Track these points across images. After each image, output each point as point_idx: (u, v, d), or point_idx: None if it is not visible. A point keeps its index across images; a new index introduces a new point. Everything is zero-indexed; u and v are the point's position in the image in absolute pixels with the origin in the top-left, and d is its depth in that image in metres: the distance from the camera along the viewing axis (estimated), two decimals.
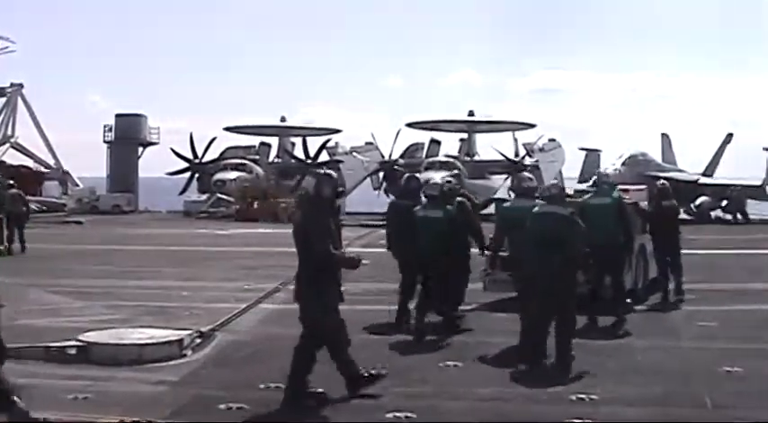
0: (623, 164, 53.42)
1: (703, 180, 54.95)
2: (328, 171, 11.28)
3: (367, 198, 58.27)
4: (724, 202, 53.86)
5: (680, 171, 56.89)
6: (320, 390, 10.36)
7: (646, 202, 20.11)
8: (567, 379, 11.26)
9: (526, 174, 17.51)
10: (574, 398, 10.29)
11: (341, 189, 11.10)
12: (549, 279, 12.28)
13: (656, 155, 59.35)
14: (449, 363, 11.99)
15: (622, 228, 16.08)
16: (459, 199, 16.18)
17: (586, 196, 17.21)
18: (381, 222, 45.14)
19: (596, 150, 60.48)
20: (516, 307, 13.70)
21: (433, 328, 14.50)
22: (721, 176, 57.85)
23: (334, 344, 10.42)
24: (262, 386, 11.03)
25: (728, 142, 61.17)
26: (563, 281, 12.36)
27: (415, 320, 14.69)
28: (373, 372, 10.66)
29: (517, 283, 14.16)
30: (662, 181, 25.21)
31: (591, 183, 20.21)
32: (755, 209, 55.53)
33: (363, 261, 10.97)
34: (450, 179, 17.53)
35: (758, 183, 55.22)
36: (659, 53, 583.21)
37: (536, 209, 13.14)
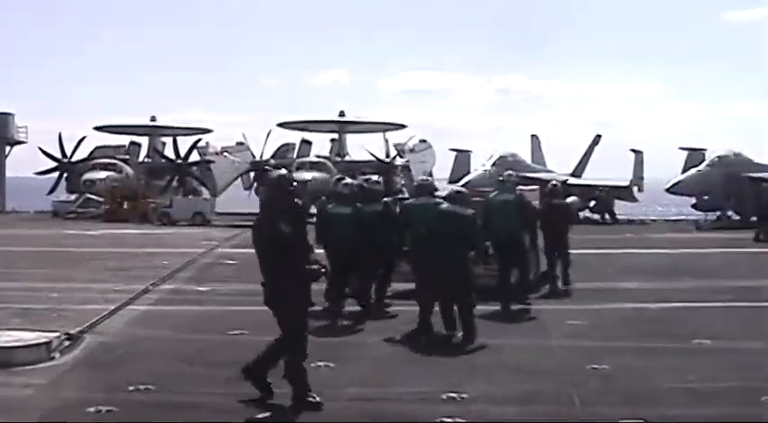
0: (493, 164, 54.06)
1: (572, 180, 55.89)
2: (284, 173, 10.87)
3: (238, 198, 57.93)
4: (592, 203, 54.95)
5: (549, 172, 57.75)
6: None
7: (537, 201, 21.37)
8: (437, 379, 11.33)
9: (423, 177, 18.48)
10: (444, 397, 10.35)
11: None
12: (452, 271, 14.03)
13: (526, 156, 60.17)
14: (320, 363, 11.98)
15: (525, 223, 17.82)
16: (385, 199, 17.59)
17: (491, 194, 18.47)
18: (250, 223, 45.23)
19: (466, 151, 61.11)
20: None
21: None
22: (590, 177, 58.95)
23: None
24: (131, 388, 10.84)
25: (597, 143, 62.33)
26: (464, 273, 14.20)
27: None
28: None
29: (416, 274, 15.28)
30: (553, 181, 26.40)
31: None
32: (622, 209, 56.81)
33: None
34: (378, 180, 17.89)
35: (625, 183, 56.43)
36: (528, 56, 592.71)
37: (441, 207, 14.74)
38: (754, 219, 50.83)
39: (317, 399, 9.98)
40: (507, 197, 17.85)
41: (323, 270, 10.29)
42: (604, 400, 10.50)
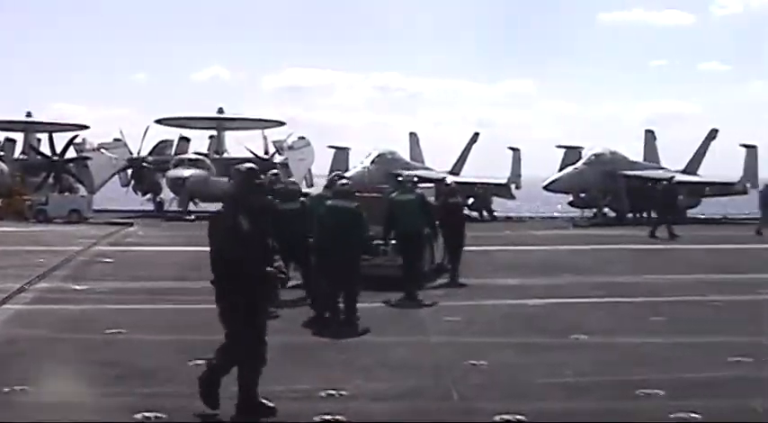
0: (372, 162, 54.15)
1: (450, 178, 56.34)
2: (251, 167, 10.21)
3: (115, 195, 57.12)
4: (471, 200, 55.41)
5: (427, 169, 58.05)
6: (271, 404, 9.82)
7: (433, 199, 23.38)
8: (316, 377, 11.29)
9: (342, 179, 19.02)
10: (323, 394, 10.31)
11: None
12: (341, 262, 15.58)
13: (405, 153, 60.41)
14: (199, 361, 11.84)
15: (426, 220, 19.29)
16: (302, 199, 18.54)
17: (393, 193, 20.34)
18: (127, 220, 44.72)
19: (345, 148, 61.09)
20: None
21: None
22: (468, 175, 59.40)
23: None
24: (6, 390, 10.58)
25: (474, 141, 62.83)
26: (351, 264, 15.77)
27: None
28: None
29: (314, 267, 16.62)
30: (447, 181, 27.72)
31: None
32: (501, 207, 57.46)
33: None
34: (346, 180, 18.46)
35: (503, 181, 57.02)
36: (405, 53, 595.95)
37: (329, 203, 16.33)
38: (630, 215, 52.14)
39: (271, 404, 9.77)
40: (409, 196, 19.51)
41: (282, 275, 9.96)
42: (483, 396, 10.58)
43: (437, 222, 20.48)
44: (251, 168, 10.02)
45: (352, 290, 15.75)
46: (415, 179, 21.12)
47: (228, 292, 9.49)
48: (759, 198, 42.73)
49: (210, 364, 9.92)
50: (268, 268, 9.56)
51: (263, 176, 10.34)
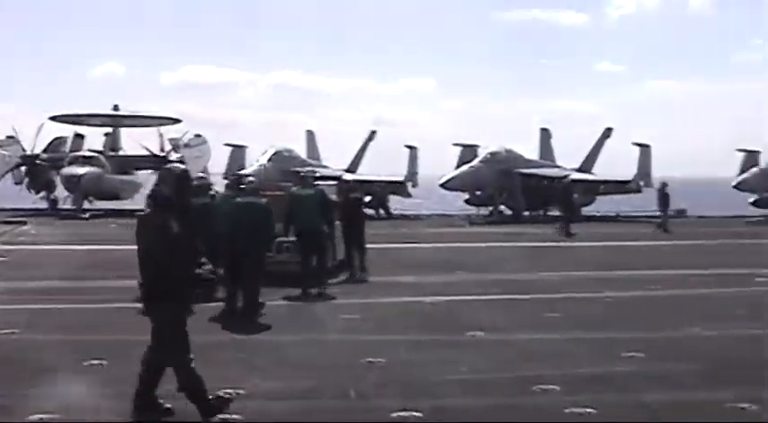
0: (269, 160, 53.93)
1: (348, 176, 56.32)
2: (177, 167, 10.08)
3: (8, 193, 55.98)
4: (368, 198, 55.50)
5: (324, 167, 57.98)
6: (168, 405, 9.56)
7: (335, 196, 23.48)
8: (214, 376, 11.16)
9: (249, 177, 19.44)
10: (221, 393, 10.22)
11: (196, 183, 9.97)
12: (250, 256, 16.00)
13: (302, 151, 60.32)
14: (93, 361, 11.67)
15: (325, 216, 19.59)
16: (212, 193, 19.29)
17: (293, 189, 20.51)
18: (20, 219, 43.85)
19: (242, 146, 60.69)
20: None
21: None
22: (365, 172, 59.49)
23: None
24: None
25: (372, 139, 62.97)
26: (259, 258, 16.31)
27: None
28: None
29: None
30: (346, 179, 27.80)
31: None
32: (399, 204, 57.61)
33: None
34: (252, 178, 19.03)
35: (400, 179, 57.18)
36: (305, 53, 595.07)
37: (238, 200, 16.84)
38: (527, 213, 52.74)
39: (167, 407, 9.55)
40: (309, 192, 19.80)
41: (212, 276, 9.75)
42: (381, 393, 10.59)
43: (338, 219, 20.98)
44: (184, 170, 9.87)
45: (255, 286, 16.15)
46: (316, 175, 21.70)
47: (159, 295, 9.27)
48: (657, 196, 43.67)
49: (141, 376, 9.63)
50: (198, 270, 9.45)
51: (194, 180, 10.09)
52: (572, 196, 42.82)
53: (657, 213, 43.95)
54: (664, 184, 43.36)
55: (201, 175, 20.05)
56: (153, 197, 9.53)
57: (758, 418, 9.52)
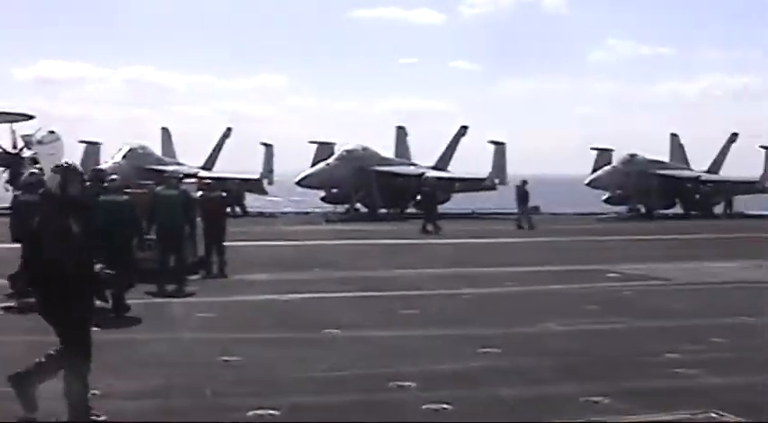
0: (123, 157, 53.20)
1: (203, 173, 55.83)
2: (75, 164, 9.71)
3: None
4: (224, 194, 55.05)
5: (179, 164, 57.33)
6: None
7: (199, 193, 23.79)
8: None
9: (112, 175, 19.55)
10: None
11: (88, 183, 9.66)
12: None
13: (157, 148, 59.61)
14: None
15: (187, 215, 20.04)
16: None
17: (158, 188, 20.76)
18: None
19: (96, 143, 59.52)
20: None
21: None
22: (221, 170, 59.05)
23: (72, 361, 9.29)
24: None
25: (227, 136, 62.65)
26: (121, 256, 15.30)
27: None
28: None
29: None
30: (206, 177, 28.46)
31: None
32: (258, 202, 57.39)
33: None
34: (115, 176, 19.16)
35: (256, 176, 56.93)
36: (160, 48, 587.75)
37: (103, 198, 16.71)
38: (384, 210, 53.04)
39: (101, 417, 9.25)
40: (173, 192, 20.20)
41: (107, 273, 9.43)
42: (237, 392, 10.48)
43: (199, 217, 21.33)
44: (75, 166, 9.59)
45: (120, 283, 15.68)
46: (180, 176, 22.34)
47: (57, 294, 9.00)
48: (516, 193, 44.36)
49: (33, 367, 9.37)
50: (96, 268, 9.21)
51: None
52: (435, 194, 43.19)
53: (515, 210, 44.65)
54: (524, 182, 44.07)
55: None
56: (52, 196, 9.24)
57: (611, 411, 9.69)
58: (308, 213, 55.34)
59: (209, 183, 24.95)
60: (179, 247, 19.75)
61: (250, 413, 9.50)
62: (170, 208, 19.55)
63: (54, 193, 9.24)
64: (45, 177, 9.46)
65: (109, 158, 54.18)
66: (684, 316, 16.17)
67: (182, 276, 19.36)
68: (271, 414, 9.49)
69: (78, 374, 9.23)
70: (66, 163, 9.64)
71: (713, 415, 9.44)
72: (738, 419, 9.31)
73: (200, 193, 23.94)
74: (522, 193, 43.72)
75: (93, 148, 58.58)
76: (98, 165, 52.57)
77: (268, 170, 57.91)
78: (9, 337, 13.57)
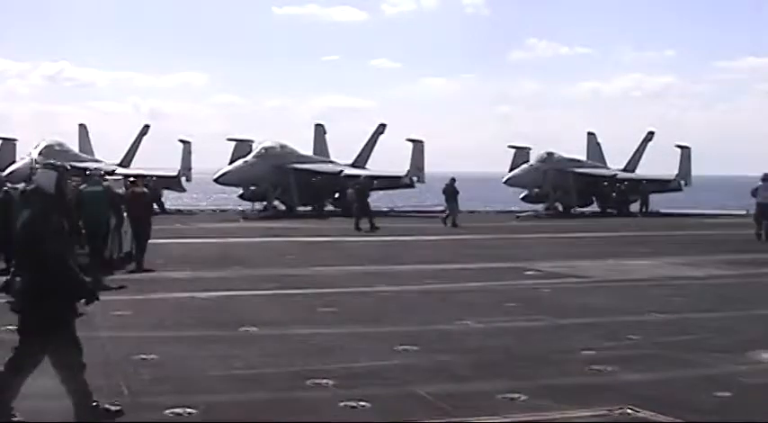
0: (39, 153, 52.47)
1: (120, 170, 55.32)
2: (65, 163, 9.53)
3: None
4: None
5: (97, 161, 56.73)
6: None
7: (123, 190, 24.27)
8: None
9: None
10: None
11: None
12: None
13: (74, 145, 59.02)
14: None
15: (113, 211, 20.90)
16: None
17: (82, 186, 20.71)
18: None
19: (12, 140, 58.70)
20: None
21: None
22: (140, 167, 58.56)
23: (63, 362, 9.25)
24: None
25: (146, 133, 62.26)
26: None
27: None
28: None
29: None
30: (131, 175, 29.22)
31: None
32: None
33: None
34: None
35: (174, 173, 56.62)
36: (78, 44, 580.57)
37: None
38: (305, 208, 53.03)
39: None
40: (97, 189, 20.75)
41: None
42: (154, 390, 10.39)
43: (125, 213, 22.24)
44: (65, 166, 9.49)
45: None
46: (103, 173, 22.89)
47: (50, 295, 8.88)
48: (445, 191, 44.55)
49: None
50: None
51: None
52: (367, 193, 43.24)
53: (436, 208, 44.88)
54: (452, 180, 44.24)
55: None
56: (47, 195, 9.03)
57: (528, 407, 9.76)
58: (225, 211, 55.06)
59: (134, 180, 24.93)
60: (105, 243, 20.49)
61: (167, 411, 9.43)
62: (95, 204, 20.04)
63: (47, 191, 9.04)
64: (37, 176, 9.21)
65: (25, 155, 53.42)
66: (601, 313, 16.34)
67: (99, 276, 18.96)
68: (188, 412, 9.42)
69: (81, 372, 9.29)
70: (58, 164, 9.51)
71: (629, 411, 9.55)
72: (652, 415, 9.43)
73: (125, 190, 24.18)
74: (451, 190, 43.93)
75: (8, 144, 57.75)
76: (13, 162, 51.99)
77: (186, 167, 57.57)
78: None
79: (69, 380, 9.25)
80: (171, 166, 57.54)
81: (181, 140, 59.08)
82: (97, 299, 9.30)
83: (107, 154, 61.74)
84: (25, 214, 9.01)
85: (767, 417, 9.61)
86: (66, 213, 9.15)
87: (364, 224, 38.70)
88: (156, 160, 64.14)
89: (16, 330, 9.20)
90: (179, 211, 52.99)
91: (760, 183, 35.14)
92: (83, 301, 9.22)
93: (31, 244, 8.85)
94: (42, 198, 9.03)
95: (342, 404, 9.79)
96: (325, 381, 10.77)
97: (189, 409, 9.47)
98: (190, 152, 58.45)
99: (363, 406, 9.74)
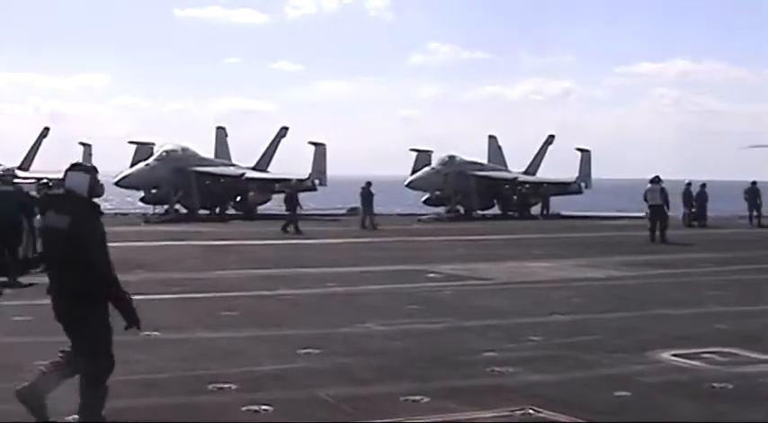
0: None
1: (20, 173, 54.50)
2: (94, 165, 9.27)
3: None
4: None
5: None
6: None
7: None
8: None
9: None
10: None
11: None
12: None
13: None
14: None
15: (25, 211, 20.61)
16: None
17: None
18: None
19: None
20: None
21: None
22: (39, 170, 57.74)
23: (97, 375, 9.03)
24: None
25: (45, 136, 61.59)
26: None
27: None
28: None
29: None
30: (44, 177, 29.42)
31: None
32: None
33: None
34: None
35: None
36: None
37: None
38: (204, 212, 52.69)
39: None
40: (8, 189, 21.27)
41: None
42: (54, 396, 10.12)
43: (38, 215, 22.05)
44: (96, 167, 9.25)
45: None
46: (13, 173, 23.71)
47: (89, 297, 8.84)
48: (361, 194, 44.70)
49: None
50: None
51: None
52: (297, 196, 43.07)
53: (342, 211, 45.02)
54: (368, 184, 44.55)
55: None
56: (80, 198, 8.87)
57: (430, 409, 9.82)
58: (126, 214, 54.48)
59: (47, 182, 25.34)
60: (16, 242, 20.88)
61: (69, 418, 9.31)
62: (6, 205, 20.53)
63: (79, 194, 8.85)
64: (68, 178, 8.92)
65: None
66: (502, 315, 16.51)
67: (16, 272, 20.33)
68: None
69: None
70: (88, 165, 9.37)
71: (530, 411, 9.67)
72: (554, 415, 9.55)
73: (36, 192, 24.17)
74: (367, 193, 44.17)
75: None
76: None
77: None
78: None
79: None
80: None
81: (82, 143, 58.38)
82: (138, 325, 9.28)
83: (6, 157, 60.68)
84: (64, 219, 8.76)
85: (665, 416, 9.79)
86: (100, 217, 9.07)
87: (290, 227, 39.43)
88: (56, 163, 62.99)
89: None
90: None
91: (649, 185, 35.89)
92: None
93: (74, 250, 8.68)
94: (77, 202, 8.85)
95: (244, 408, 9.76)
96: (227, 385, 10.72)
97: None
98: (91, 155, 57.77)
99: (266, 410, 9.72)
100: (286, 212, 42.24)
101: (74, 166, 9.14)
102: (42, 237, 9.19)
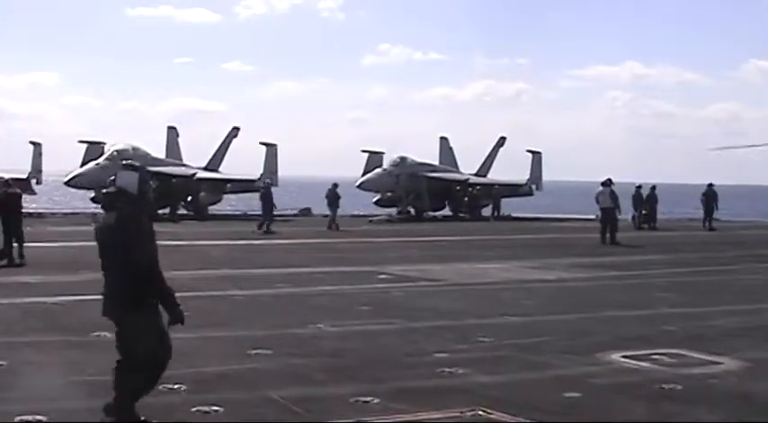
0: None
1: None
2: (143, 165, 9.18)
3: None
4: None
5: None
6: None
7: None
8: None
9: None
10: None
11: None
12: None
13: None
14: None
15: None
16: None
17: None
18: None
19: None
20: None
21: None
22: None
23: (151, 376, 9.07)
24: None
25: None
26: None
27: None
28: None
29: None
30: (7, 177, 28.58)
31: None
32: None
33: None
34: None
35: (23, 176, 55.49)
36: None
37: None
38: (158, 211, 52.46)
39: None
40: None
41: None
42: (3, 398, 10.18)
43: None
44: (145, 167, 9.34)
45: None
46: None
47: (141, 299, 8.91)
48: (327, 196, 45.37)
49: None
50: None
51: None
52: (271, 196, 42.95)
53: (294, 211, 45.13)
54: (335, 185, 44.96)
55: None
56: (131, 196, 8.88)
57: (381, 410, 9.85)
58: (77, 214, 54.07)
59: (8, 181, 26.05)
60: None
61: (16, 419, 9.25)
62: None
63: (129, 192, 8.86)
64: (118, 177, 8.87)
65: None
66: (453, 316, 16.58)
67: None
68: (38, 419, 9.26)
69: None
70: (138, 164, 9.44)
71: (480, 412, 9.73)
72: (504, 416, 9.61)
73: None
74: (333, 195, 44.41)
75: None
76: None
77: (37, 170, 56.36)
78: None
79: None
80: (21, 169, 56.21)
81: (31, 142, 57.87)
82: (182, 322, 9.22)
83: None
84: (112, 216, 8.84)
85: (615, 416, 9.88)
86: (149, 215, 9.04)
87: (266, 226, 40.23)
88: (4, 162, 62.47)
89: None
90: (29, 215, 51.75)
91: (600, 188, 36.21)
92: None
93: (120, 247, 8.77)
94: (128, 200, 8.85)
95: (194, 409, 9.76)
96: (177, 385, 10.68)
97: (39, 417, 9.32)
98: (40, 154, 57.29)
99: (216, 411, 9.72)
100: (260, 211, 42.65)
101: (125, 166, 9.22)
102: (95, 236, 9.14)
